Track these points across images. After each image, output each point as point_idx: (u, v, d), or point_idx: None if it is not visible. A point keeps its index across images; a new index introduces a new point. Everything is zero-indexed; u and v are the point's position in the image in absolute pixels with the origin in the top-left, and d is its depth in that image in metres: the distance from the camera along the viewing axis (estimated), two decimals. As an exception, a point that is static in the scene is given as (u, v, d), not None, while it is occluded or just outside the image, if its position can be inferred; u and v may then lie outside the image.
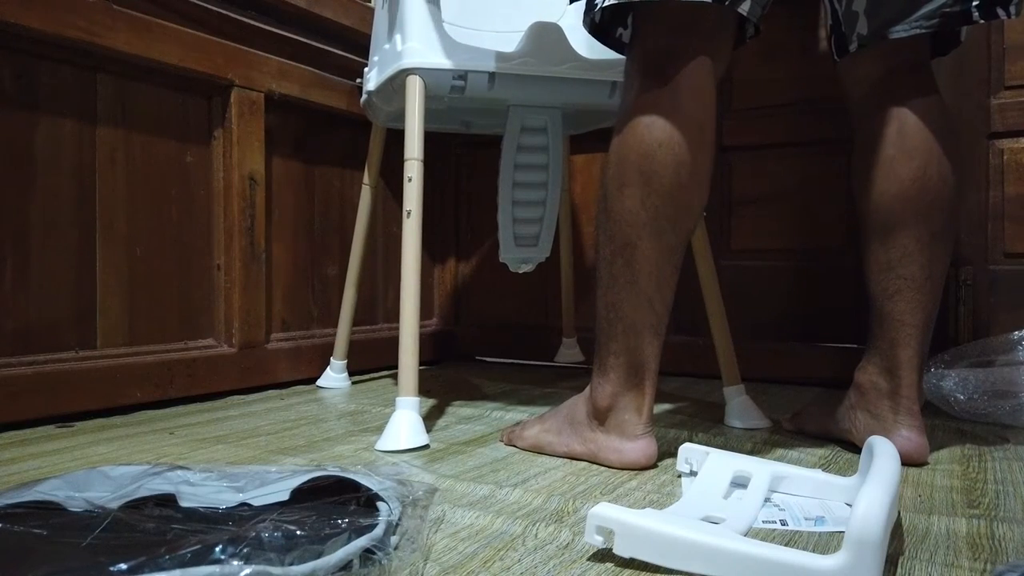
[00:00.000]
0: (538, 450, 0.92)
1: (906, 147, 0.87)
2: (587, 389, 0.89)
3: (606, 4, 0.82)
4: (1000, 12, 0.82)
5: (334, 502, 0.61)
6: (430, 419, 1.12)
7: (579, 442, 0.88)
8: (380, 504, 0.61)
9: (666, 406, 1.24)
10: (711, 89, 0.83)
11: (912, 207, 0.87)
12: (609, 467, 0.85)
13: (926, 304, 0.88)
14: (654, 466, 0.85)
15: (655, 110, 0.81)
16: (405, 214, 1.02)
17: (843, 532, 0.52)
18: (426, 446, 0.95)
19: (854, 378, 0.93)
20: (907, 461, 0.86)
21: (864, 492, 0.53)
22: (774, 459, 0.83)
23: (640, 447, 0.84)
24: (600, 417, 0.86)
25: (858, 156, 0.92)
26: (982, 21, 0.83)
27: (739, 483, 0.73)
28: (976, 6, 0.82)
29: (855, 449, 0.91)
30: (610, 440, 0.85)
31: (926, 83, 0.89)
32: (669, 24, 0.82)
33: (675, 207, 0.81)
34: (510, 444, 0.96)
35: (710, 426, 1.09)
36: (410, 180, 1.03)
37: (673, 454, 0.85)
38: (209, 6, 1.30)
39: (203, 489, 0.65)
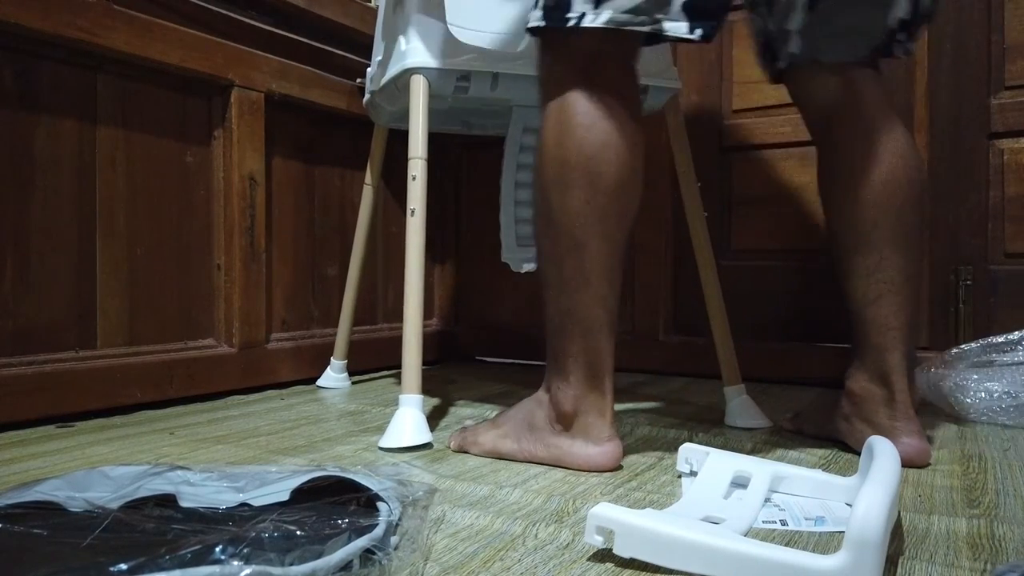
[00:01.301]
0: (496, 456, 0.89)
1: (874, 153, 0.88)
2: (542, 394, 0.88)
3: (592, 25, 0.81)
4: (911, 47, 0.92)
5: (334, 502, 0.61)
6: (430, 419, 1.12)
7: (542, 448, 0.86)
8: (380, 504, 0.61)
9: (666, 406, 1.24)
10: (638, 87, 0.88)
11: (885, 212, 0.88)
12: (578, 471, 0.83)
13: (907, 306, 0.89)
14: (619, 468, 0.85)
15: (594, 112, 0.82)
16: (409, 212, 1.02)
17: (843, 532, 0.52)
18: (429, 444, 0.95)
19: (845, 387, 0.93)
20: (909, 465, 0.86)
21: (864, 492, 0.53)
22: (774, 459, 0.83)
23: (607, 451, 0.83)
24: (564, 422, 0.85)
25: (825, 166, 0.94)
26: (903, 56, 0.92)
27: (739, 483, 0.73)
28: (899, 41, 0.90)
29: (855, 449, 0.91)
30: (576, 445, 0.84)
31: (881, 84, 0.92)
32: (604, 29, 0.82)
33: (619, 204, 0.83)
34: (461, 451, 0.93)
35: (710, 426, 1.09)
36: (414, 179, 1.03)
37: (673, 454, 0.85)
38: (209, 6, 1.30)
39: (203, 489, 0.65)
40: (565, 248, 0.83)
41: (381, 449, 0.94)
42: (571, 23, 0.82)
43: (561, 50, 0.86)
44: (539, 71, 0.89)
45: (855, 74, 0.91)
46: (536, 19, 0.85)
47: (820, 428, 0.99)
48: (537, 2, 0.85)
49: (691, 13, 0.81)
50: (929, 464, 0.88)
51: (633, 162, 0.83)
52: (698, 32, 0.81)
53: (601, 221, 0.82)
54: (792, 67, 0.95)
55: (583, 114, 0.82)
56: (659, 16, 0.81)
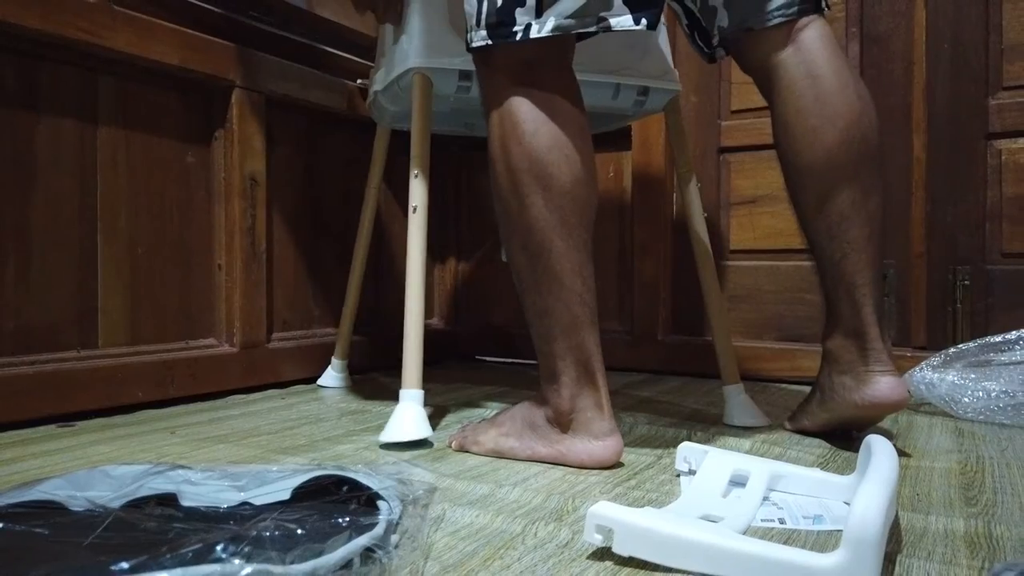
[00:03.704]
0: (496, 455, 0.89)
1: (826, 115, 0.89)
2: (538, 396, 0.89)
3: (540, 35, 0.81)
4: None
5: (335, 501, 0.61)
6: (431, 419, 1.12)
7: (544, 445, 0.86)
8: (381, 503, 0.61)
9: (665, 405, 1.25)
10: (577, 85, 0.88)
11: (842, 171, 0.89)
12: (580, 467, 0.84)
13: (873, 260, 0.90)
14: (621, 464, 0.86)
15: (537, 116, 0.83)
16: (411, 209, 1.03)
17: (841, 530, 0.52)
18: (429, 439, 0.95)
19: (823, 347, 0.95)
20: (888, 405, 0.88)
21: (862, 490, 0.53)
22: (773, 458, 0.83)
23: (609, 445, 0.84)
24: (563, 421, 0.85)
25: (780, 130, 0.94)
26: (827, 9, 0.94)
27: (738, 482, 0.73)
28: None
29: (853, 447, 0.91)
30: (577, 442, 0.84)
31: (827, 41, 0.92)
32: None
33: (576, 203, 0.84)
34: (461, 450, 0.93)
35: (709, 425, 1.09)
36: (416, 176, 1.04)
37: (672, 453, 0.85)
38: (210, 7, 1.30)
39: (204, 488, 0.65)
40: (532, 253, 0.84)
41: (381, 445, 0.94)
42: (518, 36, 0.83)
43: (498, 61, 0.86)
44: (480, 84, 0.90)
45: (795, 32, 0.92)
46: (480, 39, 0.85)
47: (817, 421, 0.99)
48: (478, 22, 0.85)
49: (632, 4, 0.82)
50: (907, 403, 0.89)
51: (583, 159, 0.84)
52: (643, 22, 0.82)
53: (562, 222, 0.83)
54: (727, 40, 0.97)
55: (527, 120, 0.83)
56: (603, 14, 0.82)
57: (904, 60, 1.44)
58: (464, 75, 1.09)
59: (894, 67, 1.44)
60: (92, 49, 1.12)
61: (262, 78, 1.36)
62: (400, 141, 1.33)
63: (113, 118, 1.18)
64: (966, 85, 1.39)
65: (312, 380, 1.46)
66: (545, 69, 0.85)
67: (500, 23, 0.83)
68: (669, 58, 1.18)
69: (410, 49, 1.08)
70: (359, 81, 1.54)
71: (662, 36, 1.18)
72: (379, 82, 1.24)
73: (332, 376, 1.44)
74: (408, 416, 0.96)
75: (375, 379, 1.53)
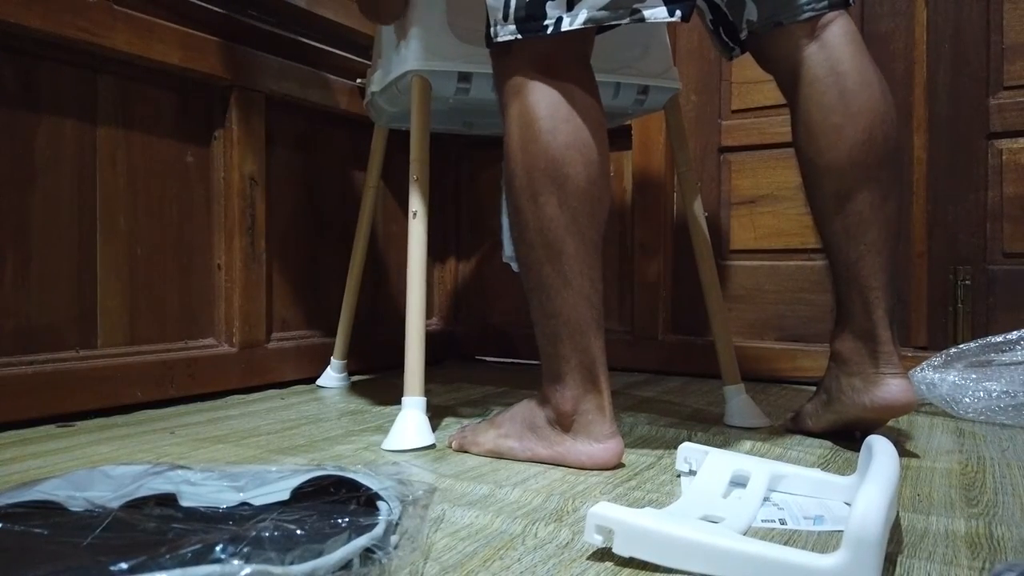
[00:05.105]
0: (496, 456, 0.89)
1: (850, 112, 0.88)
2: (540, 395, 0.88)
3: (572, 28, 0.80)
4: None
5: (334, 501, 0.61)
6: (431, 419, 1.12)
7: (544, 447, 0.86)
8: (380, 503, 0.61)
9: (665, 405, 1.25)
10: (595, 83, 0.87)
11: (862, 172, 0.88)
12: (580, 468, 0.84)
13: (887, 264, 0.90)
14: (621, 465, 0.86)
15: (555, 114, 0.82)
16: (411, 214, 1.03)
17: (842, 531, 0.52)
18: (432, 446, 0.95)
19: (832, 348, 0.95)
20: (897, 408, 0.88)
21: (863, 491, 0.53)
22: (773, 458, 0.83)
23: (610, 448, 0.83)
24: (564, 423, 0.85)
25: (801, 127, 0.93)
26: (852, 2, 0.92)
27: (738, 482, 0.73)
28: None
29: (854, 447, 0.91)
30: (578, 444, 0.84)
31: (850, 30, 0.91)
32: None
33: (591, 204, 0.83)
34: (461, 450, 0.93)
35: (709, 425, 1.09)
36: (416, 181, 1.04)
37: (672, 453, 0.85)
38: (210, 6, 1.30)
39: (203, 488, 0.65)
40: (543, 253, 0.83)
41: (384, 451, 0.94)
42: (549, 31, 0.81)
43: (517, 55, 0.85)
44: (496, 78, 0.89)
45: (819, 28, 0.91)
46: (508, 34, 0.83)
47: (819, 422, 0.99)
48: (505, 16, 0.83)
49: None
50: (916, 407, 0.89)
51: (600, 160, 0.83)
52: (678, 14, 0.81)
53: (575, 222, 0.82)
54: (754, 35, 0.96)
55: (545, 118, 0.82)
56: (637, 6, 0.80)
57: (905, 59, 1.44)
58: (463, 77, 1.08)
59: (895, 66, 1.44)
60: (92, 48, 1.12)
61: (261, 78, 1.36)
62: (399, 138, 1.33)
63: (112, 118, 1.18)
64: (967, 84, 1.39)
65: (311, 380, 1.46)
66: (565, 64, 0.84)
67: (530, 17, 0.82)
68: (669, 57, 1.18)
69: (408, 51, 1.08)
70: (359, 80, 1.54)
71: (662, 34, 1.17)
72: (376, 83, 1.24)
73: (331, 376, 1.44)
74: (411, 423, 0.96)
75: (374, 379, 1.53)
